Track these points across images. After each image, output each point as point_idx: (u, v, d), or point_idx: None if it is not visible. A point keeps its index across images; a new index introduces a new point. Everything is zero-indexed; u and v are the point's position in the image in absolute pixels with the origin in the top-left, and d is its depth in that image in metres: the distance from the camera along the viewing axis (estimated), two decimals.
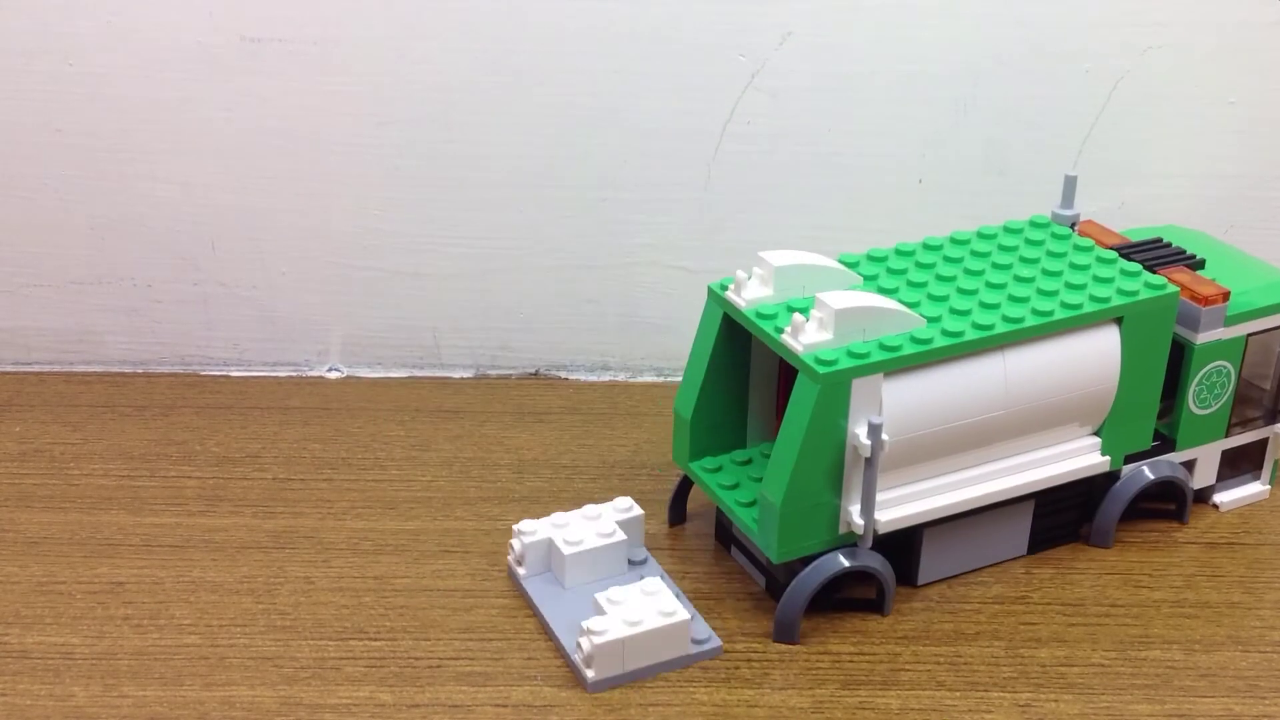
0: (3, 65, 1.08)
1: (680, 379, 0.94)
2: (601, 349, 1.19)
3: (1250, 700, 0.85)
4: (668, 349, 1.18)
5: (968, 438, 0.89)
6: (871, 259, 0.94)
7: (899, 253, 0.95)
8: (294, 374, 1.19)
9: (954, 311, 0.88)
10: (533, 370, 1.19)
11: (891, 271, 0.92)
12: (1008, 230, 0.97)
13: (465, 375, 1.19)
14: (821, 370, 0.82)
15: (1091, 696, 0.85)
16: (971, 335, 0.86)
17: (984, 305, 0.89)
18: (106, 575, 0.94)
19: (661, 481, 1.03)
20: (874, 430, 0.84)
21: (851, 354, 0.84)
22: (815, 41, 1.08)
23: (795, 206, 1.13)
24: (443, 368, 1.20)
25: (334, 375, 1.19)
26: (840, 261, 0.92)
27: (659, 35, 1.08)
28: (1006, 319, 0.88)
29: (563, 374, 1.19)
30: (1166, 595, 0.93)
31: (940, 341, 0.85)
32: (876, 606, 0.91)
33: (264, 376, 1.18)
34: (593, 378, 1.18)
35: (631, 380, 1.19)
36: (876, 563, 0.89)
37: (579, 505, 0.97)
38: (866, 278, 0.92)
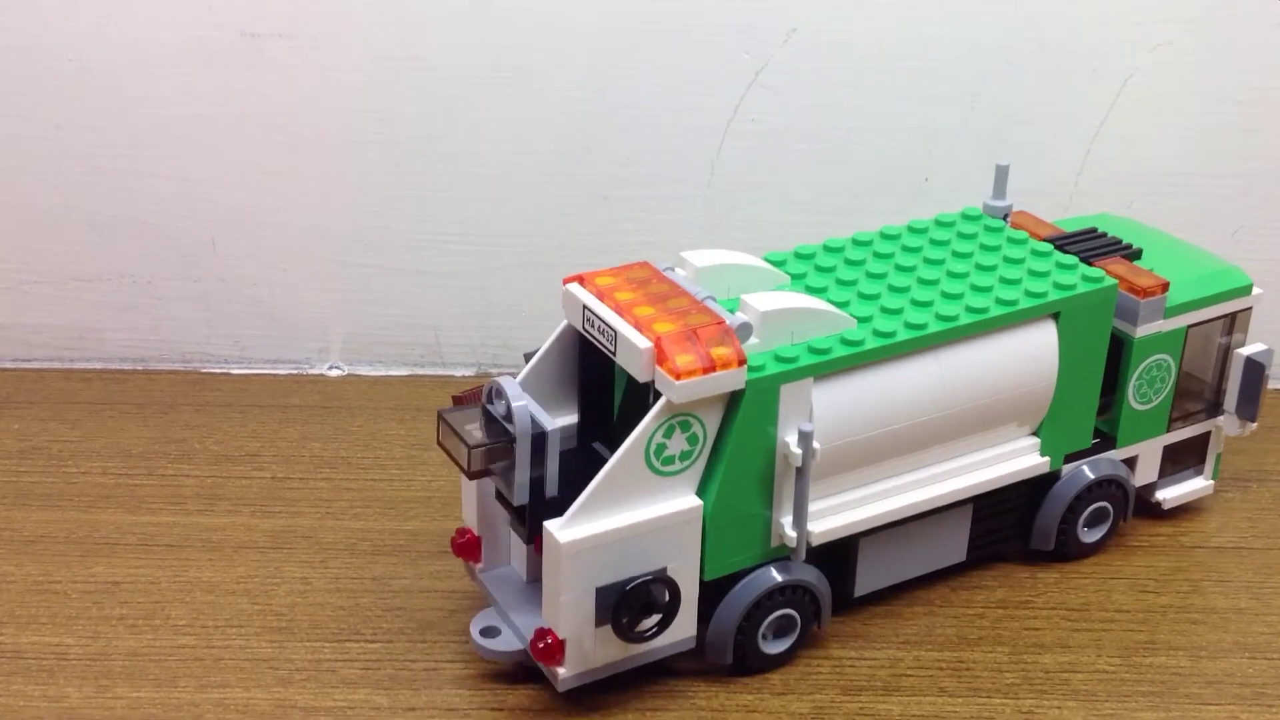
0: (3, 64, 1.08)
1: None
2: None
3: (1257, 708, 0.84)
4: None
5: (903, 442, 0.85)
6: (799, 256, 0.90)
7: (827, 249, 0.90)
8: (294, 372, 1.18)
9: (885, 310, 0.84)
10: None
11: (820, 270, 0.88)
12: (939, 224, 0.94)
13: (467, 374, 1.18)
14: (748, 376, 0.79)
15: (1096, 703, 0.84)
16: (904, 335, 0.83)
17: (916, 303, 0.85)
18: (102, 575, 0.93)
19: None
20: (804, 438, 0.79)
21: (779, 358, 0.79)
22: (820, 39, 1.07)
23: (799, 205, 1.12)
24: (444, 366, 1.19)
25: (335, 373, 1.18)
26: (766, 260, 0.88)
27: (662, 32, 1.07)
28: (940, 317, 0.84)
29: None
30: (1172, 600, 0.92)
31: (872, 343, 0.82)
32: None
33: (264, 374, 1.18)
34: None
35: None
36: (811, 576, 0.85)
37: None
38: (794, 276, 0.87)
